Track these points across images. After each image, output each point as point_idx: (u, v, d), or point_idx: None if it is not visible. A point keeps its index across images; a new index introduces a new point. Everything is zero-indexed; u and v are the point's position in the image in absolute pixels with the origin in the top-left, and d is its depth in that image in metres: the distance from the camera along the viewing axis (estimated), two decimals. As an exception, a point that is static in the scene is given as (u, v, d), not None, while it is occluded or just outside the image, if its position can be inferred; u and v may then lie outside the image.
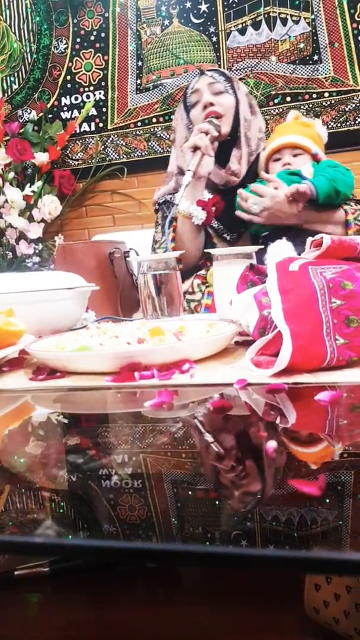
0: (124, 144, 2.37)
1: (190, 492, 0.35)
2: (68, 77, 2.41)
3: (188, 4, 2.23)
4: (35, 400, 0.60)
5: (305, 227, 1.28)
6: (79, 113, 2.39)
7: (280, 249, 0.99)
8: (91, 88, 2.39)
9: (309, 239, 0.69)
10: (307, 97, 2.12)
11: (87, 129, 2.41)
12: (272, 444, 0.38)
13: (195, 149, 1.26)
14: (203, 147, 1.25)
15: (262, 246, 0.97)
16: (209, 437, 0.45)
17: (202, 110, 1.36)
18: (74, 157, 2.44)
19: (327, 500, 0.31)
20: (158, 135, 2.32)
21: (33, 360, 0.74)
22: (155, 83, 2.31)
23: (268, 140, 1.41)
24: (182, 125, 1.45)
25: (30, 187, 2.24)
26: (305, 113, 2.12)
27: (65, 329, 0.90)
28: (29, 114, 2.45)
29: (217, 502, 0.34)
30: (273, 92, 2.15)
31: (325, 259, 0.64)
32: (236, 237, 1.39)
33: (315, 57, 2.10)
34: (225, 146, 1.36)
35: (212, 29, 2.21)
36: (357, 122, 2.08)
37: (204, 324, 0.76)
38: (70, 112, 2.42)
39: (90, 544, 0.30)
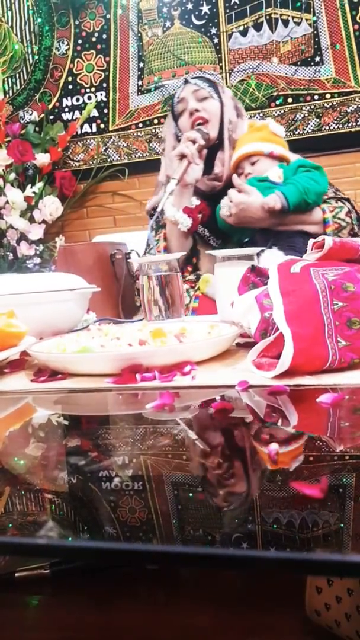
0: (125, 145, 2.37)
1: (191, 494, 0.35)
2: (69, 79, 2.42)
3: (189, 6, 2.23)
4: (36, 401, 0.60)
5: (281, 229, 1.28)
6: (80, 114, 2.39)
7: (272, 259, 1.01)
8: (92, 89, 2.39)
9: (311, 241, 0.69)
10: (308, 98, 2.12)
11: (89, 130, 2.41)
12: (273, 447, 0.38)
13: (182, 156, 1.28)
14: (189, 155, 1.27)
15: (263, 248, 0.97)
16: (210, 439, 0.45)
17: (189, 117, 1.39)
18: (75, 158, 2.44)
19: (329, 503, 0.31)
20: (159, 137, 2.32)
21: (34, 361, 0.74)
22: (157, 84, 2.31)
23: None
24: (170, 135, 1.47)
25: (31, 188, 2.24)
26: (307, 114, 2.12)
27: (66, 331, 0.90)
28: (30, 115, 2.46)
29: (217, 504, 0.34)
30: (275, 94, 2.16)
31: (327, 260, 0.64)
32: (221, 243, 1.40)
33: (317, 59, 2.10)
34: (211, 151, 1.38)
35: (213, 31, 2.21)
36: (358, 123, 2.08)
37: (206, 326, 0.76)
38: (71, 113, 2.42)
39: (91, 546, 0.30)
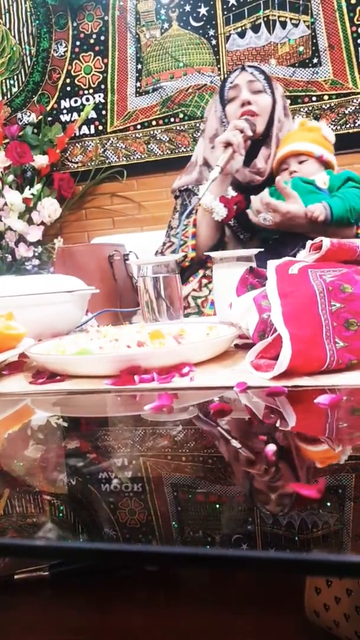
0: (123, 146, 2.37)
1: (190, 496, 0.35)
2: (67, 80, 2.42)
3: (187, 8, 2.23)
4: (34, 403, 0.60)
5: (313, 236, 1.27)
6: (79, 116, 2.39)
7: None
8: (91, 91, 2.39)
9: (309, 242, 0.69)
10: (306, 100, 2.13)
11: (87, 131, 2.41)
12: (271, 447, 0.38)
13: (228, 145, 1.25)
14: (235, 145, 1.24)
15: (262, 249, 0.97)
16: (207, 441, 0.45)
17: (240, 107, 1.36)
18: (73, 160, 2.45)
19: (328, 503, 0.31)
20: (157, 138, 2.32)
21: (33, 363, 0.74)
22: (155, 86, 2.31)
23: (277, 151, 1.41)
24: (214, 117, 1.44)
25: (29, 189, 2.24)
26: (304, 116, 2.13)
27: (65, 332, 0.90)
28: (29, 116, 2.46)
29: (217, 505, 0.34)
30: (272, 95, 2.16)
31: (325, 262, 0.64)
32: (249, 237, 1.39)
33: (315, 60, 2.11)
34: (254, 144, 1.36)
35: (211, 32, 2.22)
36: (356, 124, 2.09)
37: (204, 327, 0.76)
38: (69, 115, 2.43)
39: (90, 547, 0.30)
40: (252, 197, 1.29)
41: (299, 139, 1.35)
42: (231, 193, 1.33)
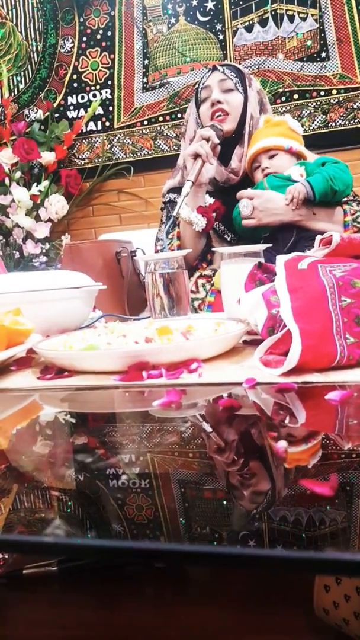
0: (130, 142, 2.37)
1: (198, 492, 0.35)
2: (74, 76, 2.41)
3: (194, 2, 2.22)
4: (43, 399, 0.60)
5: (304, 225, 1.26)
6: (86, 112, 2.39)
7: None
8: (97, 87, 2.39)
9: (318, 237, 0.69)
10: (314, 94, 2.11)
11: (94, 128, 2.41)
12: (282, 444, 0.38)
13: (196, 156, 1.25)
14: (203, 155, 1.25)
15: (271, 244, 0.97)
16: (217, 437, 0.45)
17: (210, 107, 1.36)
18: (80, 157, 2.44)
19: (337, 501, 0.31)
20: (164, 134, 2.31)
21: (41, 359, 0.74)
22: (162, 81, 2.30)
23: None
24: (192, 119, 1.45)
25: (37, 186, 2.25)
26: (313, 110, 2.11)
27: (72, 328, 0.90)
28: (36, 113, 2.46)
29: (225, 502, 0.33)
30: (280, 90, 2.14)
31: (335, 257, 0.64)
32: (237, 237, 1.39)
33: (323, 54, 2.09)
34: (229, 143, 1.36)
35: (218, 27, 2.20)
36: (365, 119, 2.07)
37: (212, 323, 0.75)
38: (76, 111, 2.42)
39: (98, 544, 0.30)
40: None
41: (265, 135, 1.35)
42: (209, 200, 1.33)
